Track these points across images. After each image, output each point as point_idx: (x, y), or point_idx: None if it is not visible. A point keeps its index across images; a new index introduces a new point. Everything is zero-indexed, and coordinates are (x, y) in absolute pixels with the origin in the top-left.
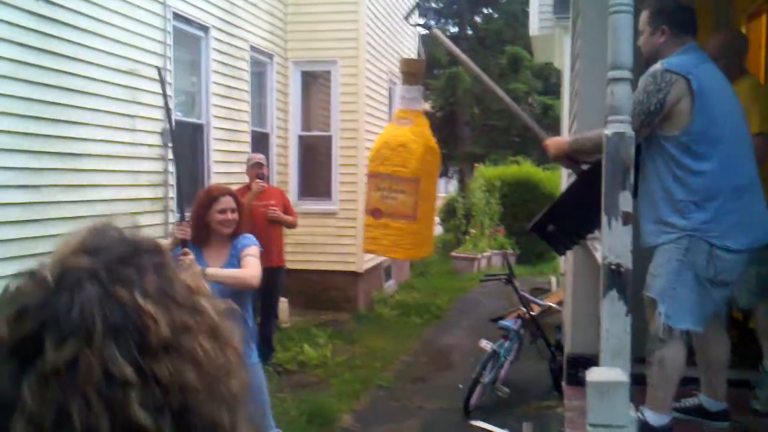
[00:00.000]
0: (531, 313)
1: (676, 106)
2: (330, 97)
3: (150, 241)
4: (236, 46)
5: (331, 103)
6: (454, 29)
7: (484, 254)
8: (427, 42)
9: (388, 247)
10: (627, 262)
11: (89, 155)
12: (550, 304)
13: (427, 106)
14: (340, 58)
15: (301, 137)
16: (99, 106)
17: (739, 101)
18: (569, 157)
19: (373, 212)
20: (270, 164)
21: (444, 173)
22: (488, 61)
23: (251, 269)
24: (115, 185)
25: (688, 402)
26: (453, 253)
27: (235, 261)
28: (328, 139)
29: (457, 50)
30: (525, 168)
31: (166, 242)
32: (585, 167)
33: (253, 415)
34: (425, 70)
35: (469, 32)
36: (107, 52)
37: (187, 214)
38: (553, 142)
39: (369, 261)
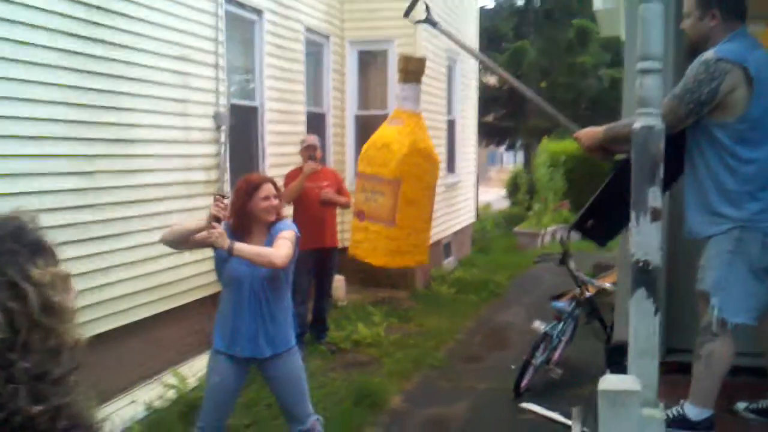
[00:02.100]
0: (586, 293)
1: (730, 95)
2: (387, 76)
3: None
4: (291, 29)
5: (388, 82)
6: (520, 2)
7: (548, 229)
8: (489, 16)
9: (367, 251)
10: (656, 259)
11: (141, 141)
12: (605, 285)
13: (493, 80)
14: (397, 38)
15: (357, 117)
16: (150, 92)
17: None
18: (603, 148)
19: (358, 214)
20: (326, 144)
21: (511, 147)
22: (556, 34)
23: (279, 249)
24: (167, 169)
25: (763, 403)
26: (516, 229)
27: (271, 245)
28: (385, 118)
29: (467, 46)
30: None
31: (200, 220)
32: (620, 157)
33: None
34: (424, 68)
35: (537, 5)
36: (158, 39)
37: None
38: (585, 133)
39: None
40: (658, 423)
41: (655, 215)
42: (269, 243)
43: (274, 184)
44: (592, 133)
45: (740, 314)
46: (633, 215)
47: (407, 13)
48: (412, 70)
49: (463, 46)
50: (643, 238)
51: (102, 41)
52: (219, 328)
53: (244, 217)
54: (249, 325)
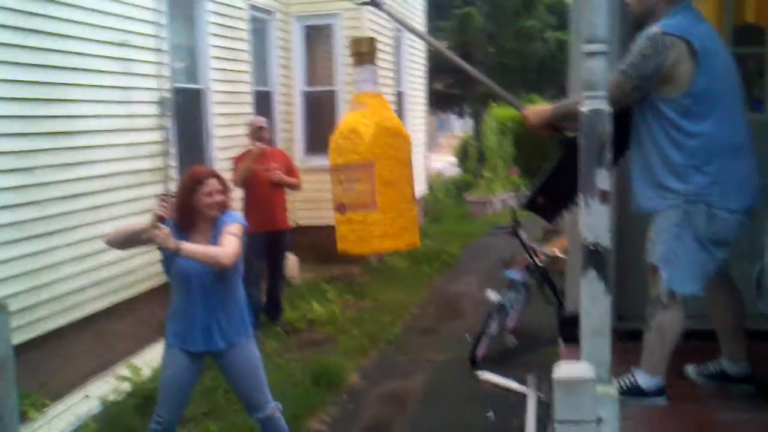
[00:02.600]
0: (537, 261)
1: (675, 69)
2: (333, 51)
3: None
4: (234, 6)
5: (334, 57)
6: None
7: (498, 196)
8: None
9: (356, 242)
10: (605, 241)
11: (84, 132)
12: (557, 253)
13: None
14: (342, 11)
15: (305, 93)
16: (91, 81)
17: (734, 60)
18: (552, 126)
19: (339, 207)
20: (274, 123)
21: (460, 114)
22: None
23: (226, 247)
24: (112, 159)
25: (711, 367)
26: (467, 197)
27: (218, 240)
28: (333, 93)
29: (412, 25)
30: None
31: (144, 220)
32: (569, 134)
33: None
34: (375, 48)
35: None
36: (96, 25)
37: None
38: (532, 112)
39: None
40: (612, 400)
41: (604, 197)
42: (215, 237)
43: (219, 178)
44: (539, 111)
45: (688, 285)
46: (582, 198)
47: None
48: (365, 51)
49: (408, 27)
50: (593, 221)
51: (36, 31)
52: (171, 323)
53: (188, 212)
54: (201, 320)
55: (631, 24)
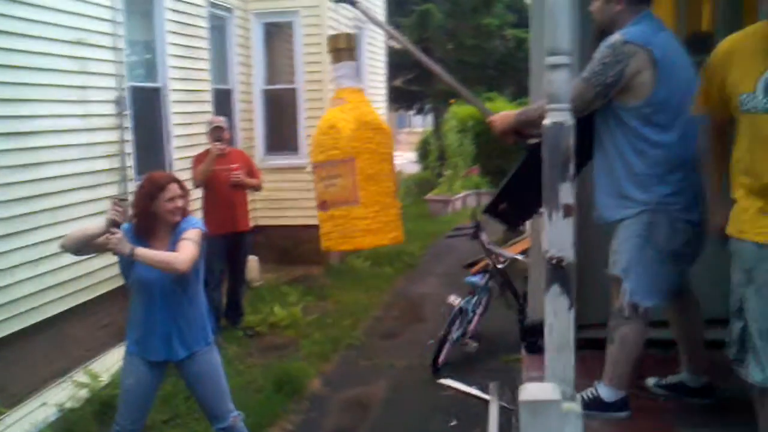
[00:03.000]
0: (498, 265)
1: (636, 78)
2: (293, 48)
3: None
4: (192, 3)
5: (295, 54)
6: None
7: (459, 195)
8: None
9: (337, 239)
10: (569, 255)
11: (39, 132)
12: (516, 256)
13: (399, 44)
14: (301, 8)
15: (265, 91)
16: (47, 80)
17: (696, 70)
18: (517, 132)
19: (321, 205)
20: (234, 121)
21: (419, 111)
22: None
23: (182, 252)
24: (68, 160)
25: (671, 379)
26: (427, 196)
27: (176, 246)
28: (293, 91)
29: (387, 27)
30: (499, 105)
31: (100, 223)
32: (532, 141)
33: None
34: (354, 43)
35: None
36: (50, 23)
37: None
38: (498, 117)
39: None
40: (576, 416)
41: (568, 211)
42: (174, 243)
43: (180, 183)
44: (504, 117)
45: (651, 297)
46: (545, 212)
47: None
48: (342, 47)
49: (379, 24)
50: (556, 235)
51: None
52: (131, 331)
53: (148, 219)
54: (161, 328)
55: (594, 34)
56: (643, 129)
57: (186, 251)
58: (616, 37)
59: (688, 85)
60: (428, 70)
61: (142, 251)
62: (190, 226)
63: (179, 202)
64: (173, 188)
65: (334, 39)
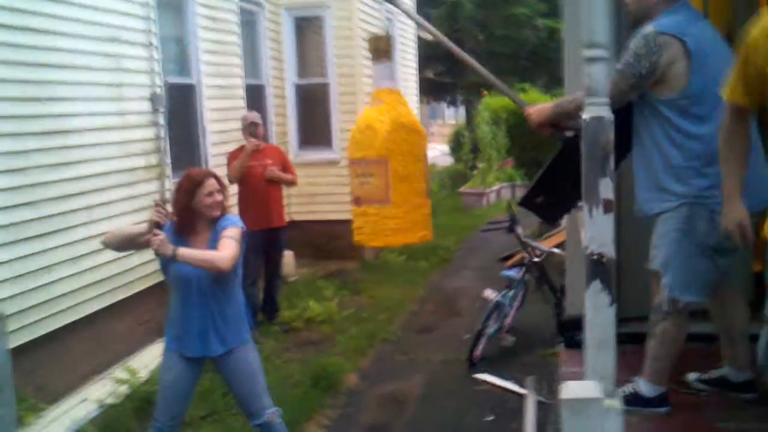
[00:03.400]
0: (534, 259)
1: (671, 69)
2: (325, 42)
3: None
4: None
5: (326, 48)
6: None
7: (493, 188)
8: None
9: (369, 235)
10: (610, 251)
11: (76, 130)
12: (553, 249)
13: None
14: (332, 1)
15: (297, 86)
16: (82, 78)
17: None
18: (553, 124)
19: (356, 200)
20: (267, 116)
21: (451, 102)
22: None
23: (223, 251)
24: (105, 158)
25: (714, 374)
26: (461, 189)
27: (216, 243)
28: (326, 86)
29: (425, 23)
30: (531, 96)
31: (142, 225)
32: (569, 134)
33: None
34: (391, 45)
35: None
36: (85, 21)
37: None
38: (535, 110)
39: None
40: (617, 413)
41: (608, 207)
42: (214, 240)
43: (217, 178)
44: (541, 110)
45: (691, 292)
46: (585, 207)
47: None
48: (381, 48)
49: (418, 21)
50: (597, 231)
51: (25, 28)
52: (170, 327)
53: (188, 215)
54: (198, 325)
55: (630, 24)
56: (680, 121)
57: (228, 249)
58: (649, 29)
59: (725, 75)
60: (463, 63)
61: (184, 251)
62: (230, 224)
63: (218, 197)
64: (211, 183)
65: (374, 40)
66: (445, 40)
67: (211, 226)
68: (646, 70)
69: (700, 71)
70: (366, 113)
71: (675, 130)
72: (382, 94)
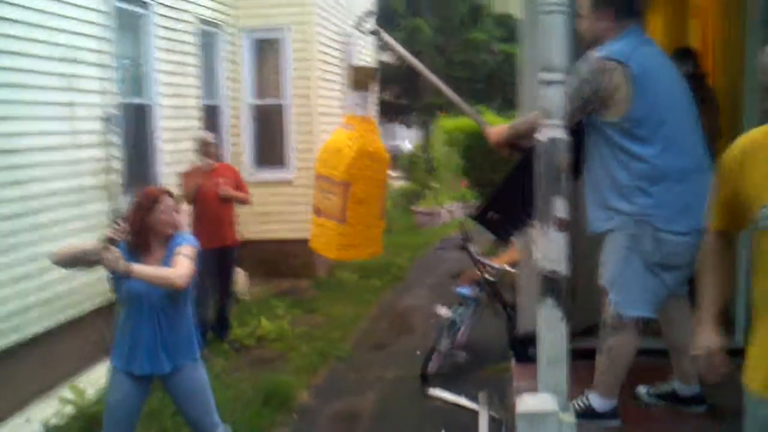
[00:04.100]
0: (487, 276)
1: (614, 94)
2: (282, 64)
3: None
4: (182, 20)
5: (284, 70)
6: None
7: (446, 207)
8: None
9: (323, 244)
10: (562, 268)
11: (26, 149)
12: (505, 267)
13: (386, 57)
14: (291, 24)
15: (253, 106)
16: (34, 97)
17: (683, 82)
18: (511, 144)
19: (316, 211)
20: (222, 136)
21: (407, 124)
22: (449, 11)
23: (179, 268)
24: (55, 177)
25: (663, 387)
26: (415, 208)
27: (170, 261)
28: (282, 106)
29: (404, 52)
30: (486, 118)
31: (97, 242)
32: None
33: None
34: (374, 76)
35: None
36: (39, 41)
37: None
38: (493, 131)
39: None
40: (571, 426)
41: (561, 225)
42: (168, 258)
43: (172, 196)
44: (498, 130)
45: (636, 308)
46: (539, 225)
47: (357, 27)
48: (361, 78)
49: (402, 55)
50: (550, 248)
51: None
52: (116, 345)
53: (143, 233)
54: (147, 341)
55: (585, 51)
56: (625, 142)
57: (183, 267)
58: (594, 54)
59: (671, 99)
60: (435, 87)
61: (139, 268)
62: (185, 242)
63: (174, 215)
64: (167, 200)
65: (356, 70)
66: (418, 63)
67: (165, 244)
68: (589, 94)
69: (643, 96)
70: (338, 135)
71: (620, 151)
72: (354, 120)
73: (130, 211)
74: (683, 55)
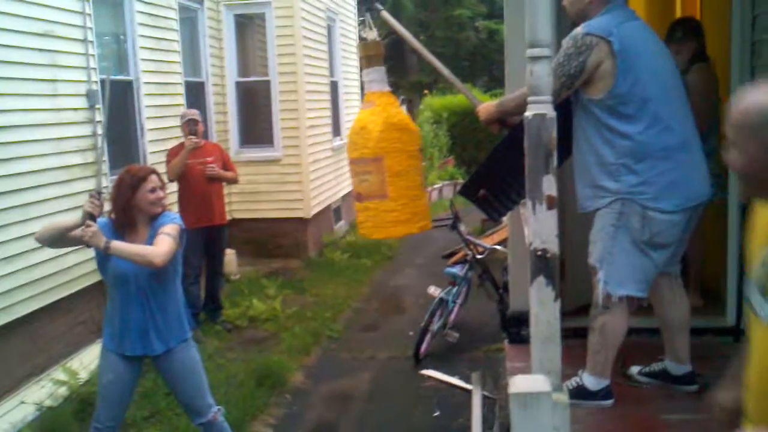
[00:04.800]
0: (477, 256)
1: (597, 70)
2: (266, 40)
3: None
4: None
5: (268, 46)
6: None
7: (435, 186)
8: None
9: (371, 228)
10: (553, 246)
11: (10, 127)
12: (496, 246)
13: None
14: None
15: (238, 83)
16: (15, 74)
17: (670, 57)
18: (500, 121)
19: (357, 197)
20: (208, 114)
21: None
22: None
23: (159, 247)
24: (40, 155)
25: (655, 367)
26: None
27: (153, 241)
28: (267, 83)
29: (401, 28)
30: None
31: (75, 217)
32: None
33: None
34: (383, 50)
35: None
36: (18, 15)
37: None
38: (482, 108)
39: (317, 205)
40: (564, 407)
41: (551, 203)
42: (152, 237)
43: (158, 174)
44: (487, 107)
45: (625, 286)
46: (528, 204)
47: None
48: (372, 54)
49: (402, 34)
50: (540, 227)
51: None
52: (107, 327)
53: (129, 212)
54: (137, 323)
55: (570, 27)
56: (609, 119)
57: (163, 245)
58: (578, 30)
59: (656, 75)
60: (429, 63)
61: (117, 244)
62: (169, 221)
63: (160, 193)
64: (154, 179)
65: (364, 46)
66: (414, 41)
67: (150, 223)
68: (574, 70)
69: (627, 71)
70: (360, 115)
71: (606, 129)
72: (373, 96)
73: (116, 189)
74: (691, 29)
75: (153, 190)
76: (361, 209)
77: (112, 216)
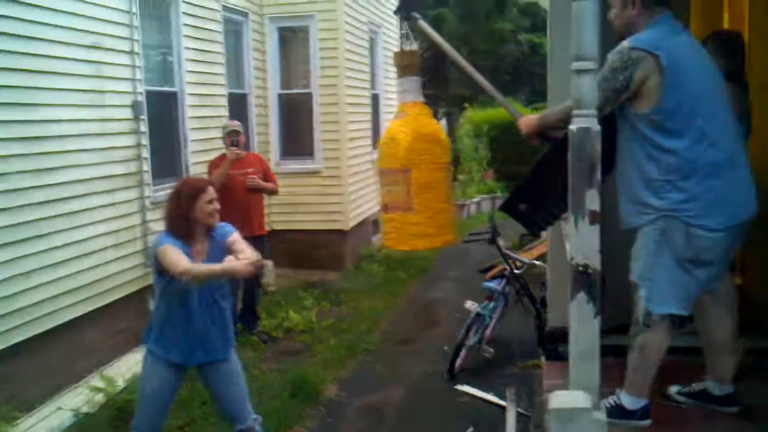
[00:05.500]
0: (515, 270)
1: (644, 84)
2: (309, 53)
3: None
4: (208, 8)
5: (311, 59)
6: None
7: (473, 200)
8: None
9: (396, 239)
10: (595, 262)
11: (56, 137)
12: (534, 261)
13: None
14: (317, 12)
15: (280, 96)
16: (64, 85)
17: (717, 73)
18: (542, 135)
19: (383, 207)
20: (249, 126)
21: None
22: (474, 0)
23: (247, 252)
24: (86, 165)
25: (695, 387)
26: None
27: (218, 252)
28: (309, 96)
29: (440, 39)
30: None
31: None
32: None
33: None
34: (418, 60)
35: None
36: (67, 28)
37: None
38: (524, 121)
39: (356, 218)
40: (601, 425)
41: (594, 218)
42: (213, 249)
43: (214, 187)
44: (528, 121)
45: (667, 304)
46: (571, 218)
47: (397, 12)
48: (407, 63)
49: (438, 43)
50: (582, 242)
51: (6, 33)
52: (157, 334)
53: (186, 223)
54: (193, 334)
55: (616, 40)
56: (655, 135)
57: (248, 251)
58: (624, 43)
59: (704, 90)
60: (469, 76)
61: (229, 266)
62: (231, 230)
63: (217, 205)
64: (211, 191)
65: (400, 55)
66: (454, 52)
67: (207, 234)
68: (620, 85)
69: (674, 86)
70: (391, 126)
71: (651, 145)
72: (406, 107)
73: (173, 201)
74: (721, 44)
75: (211, 202)
76: (387, 220)
77: (170, 229)
